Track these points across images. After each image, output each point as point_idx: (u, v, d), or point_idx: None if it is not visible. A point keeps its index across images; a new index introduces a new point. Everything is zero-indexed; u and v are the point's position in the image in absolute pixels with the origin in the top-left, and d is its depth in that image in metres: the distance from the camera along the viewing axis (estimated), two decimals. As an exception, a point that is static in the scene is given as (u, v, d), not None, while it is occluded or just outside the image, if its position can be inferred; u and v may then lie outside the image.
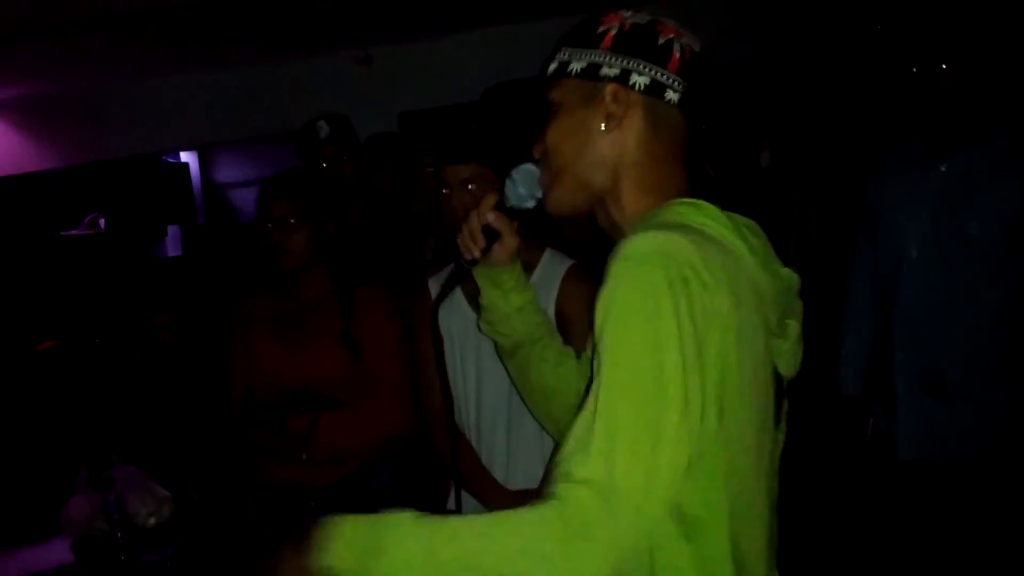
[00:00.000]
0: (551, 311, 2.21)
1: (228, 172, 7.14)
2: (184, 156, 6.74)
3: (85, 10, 3.72)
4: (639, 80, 1.29)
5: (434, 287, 2.34)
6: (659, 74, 1.29)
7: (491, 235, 1.51)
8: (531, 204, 1.47)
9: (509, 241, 1.53)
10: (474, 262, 1.53)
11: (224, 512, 3.05)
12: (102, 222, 5.99)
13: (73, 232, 5.95)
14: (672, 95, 1.30)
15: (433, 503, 2.74)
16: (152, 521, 3.01)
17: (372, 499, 2.50)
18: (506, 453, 2.24)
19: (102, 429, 3.64)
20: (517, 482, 2.23)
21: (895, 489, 2.69)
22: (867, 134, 3.98)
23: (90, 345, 4.33)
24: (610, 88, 1.29)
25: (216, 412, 2.61)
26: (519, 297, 1.61)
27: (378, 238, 3.17)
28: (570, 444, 1.12)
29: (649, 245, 1.15)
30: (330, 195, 2.62)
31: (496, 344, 1.69)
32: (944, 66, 2.45)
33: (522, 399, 2.13)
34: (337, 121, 3.19)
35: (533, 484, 2.19)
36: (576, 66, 1.32)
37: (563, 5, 4.66)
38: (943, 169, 2.55)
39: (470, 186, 2.20)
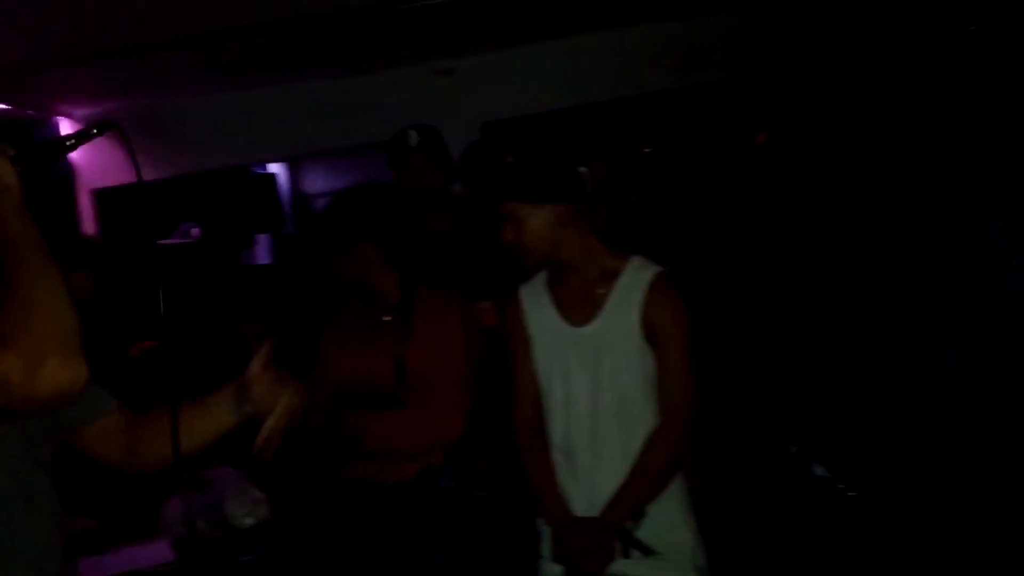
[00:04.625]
0: (637, 319, 2.21)
1: (316, 181, 7.30)
2: (273, 166, 6.92)
3: (177, 29, 3.88)
4: None
5: (525, 296, 2.37)
6: None
7: None
8: None
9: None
10: None
11: (314, 512, 3.13)
12: (196, 231, 6.18)
13: (169, 240, 6.15)
14: None
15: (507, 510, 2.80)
16: (248, 521, 3.09)
17: (436, 501, 2.59)
18: (590, 467, 2.25)
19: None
20: (601, 496, 2.22)
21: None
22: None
23: (187, 350, 4.47)
24: None
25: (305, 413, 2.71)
26: None
27: (468, 247, 3.22)
28: None
29: None
30: (401, 207, 2.72)
31: None
32: None
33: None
34: (427, 131, 3.25)
35: None
36: None
37: (642, 15, 4.67)
38: None
39: (514, 218, 2.23)
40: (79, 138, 1.40)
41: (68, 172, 5.37)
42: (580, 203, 2.24)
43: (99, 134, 1.42)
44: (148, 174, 5.83)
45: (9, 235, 1.30)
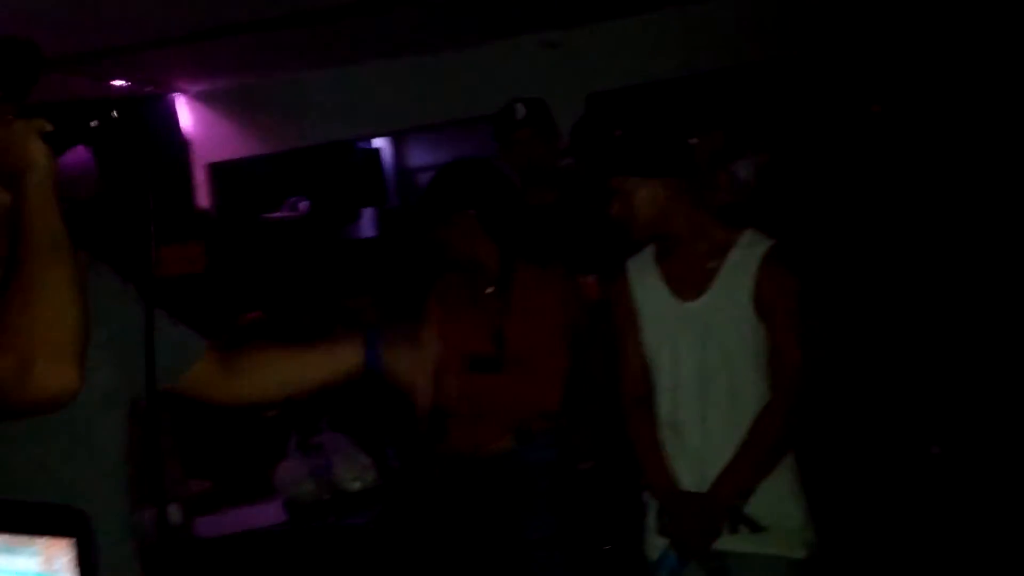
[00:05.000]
0: (748, 294, 2.17)
1: (419, 156, 7.39)
2: (377, 141, 7.03)
3: (291, 6, 3.97)
4: None
5: (632, 270, 2.36)
6: None
7: None
8: None
9: None
10: None
11: (420, 480, 3.18)
12: (303, 205, 6.33)
13: (276, 214, 6.31)
14: None
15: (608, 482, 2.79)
16: (356, 486, 3.17)
17: (537, 472, 2.61)
18: (699, 444, 2.21)
19: (312, 398, 3.85)
20: (711, 473, 2.19)
21: None
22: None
23: (294, 320, 4.59)
24: None
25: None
26: None
27: (574, 221, 3.21)
28: None
29: None
30: (503, 181, 2.72)
31: None
32: None
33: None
34: (533, 104, 3.25)
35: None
36: None
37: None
38: None
39: (621, 191, 2.20)
40: (102, 121, 1.33)
41: (184, 145, 5.56)
42: (689, 176, 2.21)
43: (119, 117, 1.35)
44: (258, 148, 6.02)
45: (26, 221, 1.23)
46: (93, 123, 1.33)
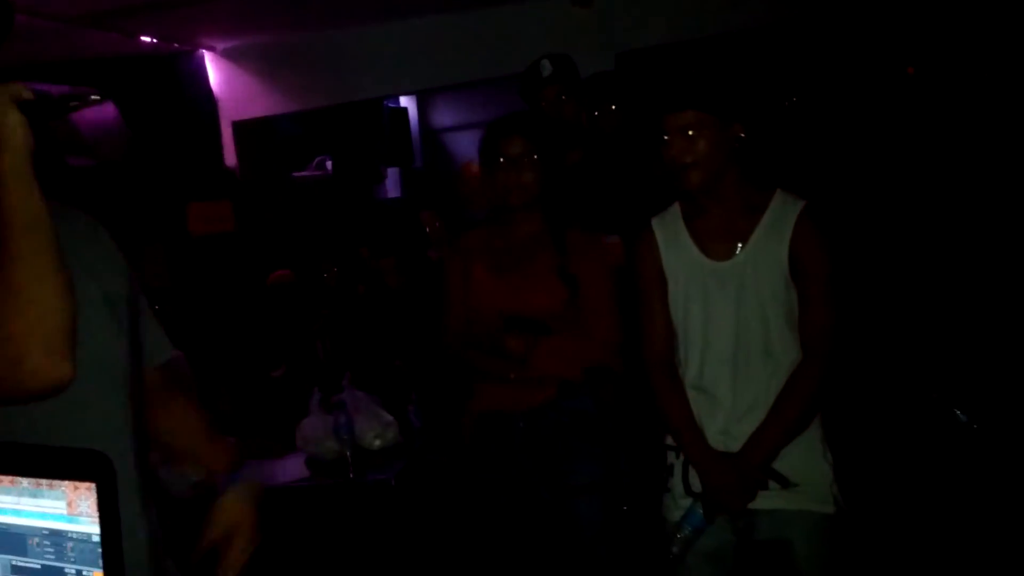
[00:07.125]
0: (784, 253, 2.14)
1: (444, 117, 7.33)
2: (403, 101, 6.99)
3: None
4: None
5: (658, 228, 2.32)
6: None
7: None
8: None
9: None
10: None
11: (443, 438, 3.18)
12: (329, 164, 6.32)
13: (303, 173, 6.31)
14: None
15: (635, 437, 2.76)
16: (377, 443, 3.19)
17: (576, 421, 2.58)
18: (731, 404, 2.18)
19: (334, 356, 3.88)
20: (741, 432, 2.17)
21: None
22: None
23: (318, 279, 4.60)
24: None
25: (436, 340, 2.74)
26: None
27: (597, 180, 3.16)
28: None
29: None
30: (559, 136, 2.69)
31: None
32: None
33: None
34: (560, 61, 3.19)
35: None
36: None
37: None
38: None
39: (690, 132, 2.13)
40: (81, 101, 1.25)
41: (212, 102, 5.54)
42: (750, 128, 2.17)
43: (99, 102, 1.26)
44: (288, 106, 5.97)
45: (4, 205, 1.12)
46: (73, 103, 1.24)
